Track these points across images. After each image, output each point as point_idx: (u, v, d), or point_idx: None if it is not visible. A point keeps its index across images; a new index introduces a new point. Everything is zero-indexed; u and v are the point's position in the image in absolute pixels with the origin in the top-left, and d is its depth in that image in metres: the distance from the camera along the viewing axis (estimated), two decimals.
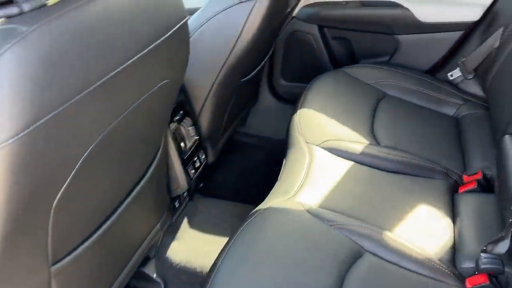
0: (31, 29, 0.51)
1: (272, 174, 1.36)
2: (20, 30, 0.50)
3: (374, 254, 0.93)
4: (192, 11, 1.69)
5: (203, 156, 1.32)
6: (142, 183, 0.91)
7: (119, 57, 0.64)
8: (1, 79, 0.48)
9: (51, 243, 0.66)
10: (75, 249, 0.75)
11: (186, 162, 1.22)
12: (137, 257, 1.03)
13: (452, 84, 1.55)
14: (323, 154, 1.21)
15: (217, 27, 1.15)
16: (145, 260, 1.24)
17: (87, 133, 0.62)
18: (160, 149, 0.97)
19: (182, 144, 1.20)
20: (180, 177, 1.19)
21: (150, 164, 0.94)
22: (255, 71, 1.46)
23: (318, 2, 1.70)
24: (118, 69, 0.63)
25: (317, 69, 1.71)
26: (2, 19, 0.54)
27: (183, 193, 1.29)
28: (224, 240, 0.94)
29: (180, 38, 0.80)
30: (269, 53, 1.60)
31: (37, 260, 0.67)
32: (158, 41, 0.72)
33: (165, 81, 0.79)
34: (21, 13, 0.53)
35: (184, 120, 1.22)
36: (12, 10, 0.53)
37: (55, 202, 0.62)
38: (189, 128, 1.23)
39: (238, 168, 1.74)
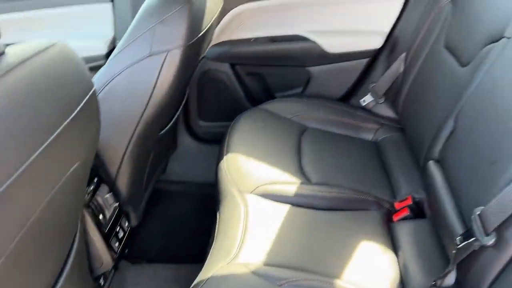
0: None
1: (201, 223, 1.27)
2: None
3: None
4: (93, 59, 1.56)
5: (126, 224, 1.18)
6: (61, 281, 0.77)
7: (20, 154, 0.52)
8: None
9: None
10: None
11: (107, 236, 1.08)
12: None
13: (366, 110, 1.60)
14: (258, 202, 1.15)
15: (128, 82, 1.05)
16: None
17: None
18: (77, 236, 0.84)
19: (101, 217, 1.06)
20: (103, 254, 1.05)
21: (68, 257, 0.80)
22: (172, 121, 1.38)
23: (227, 41, 1.67)
24: (20, 170, 0.51)
25: (234, 106, 1.68)
26: None
27: (107, 270, 1.15)
28: None
29: (90, 111, 0.70)
30: (184, 98, 1.53)
31: None
32: (66, 122, 0.61)
33: (76, 165, 0.68)
34: None
35: (100, 188, 1.08)
36: None
37: None
38: (106, 196, 1.10)
39: (164, 222, 1.62)
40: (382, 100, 1.57)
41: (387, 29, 1.59)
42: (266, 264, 0.97)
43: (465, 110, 1.03)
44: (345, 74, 1.65)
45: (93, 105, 0.70)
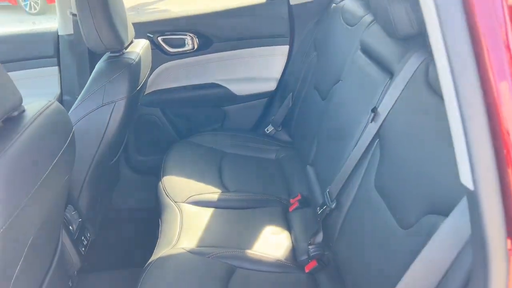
0: None
1: (143, 238, 1.59)
2: None
3: (242, 268, 1.29)
4: None
5: (88, 235, 1.52)
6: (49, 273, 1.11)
7: (46, 163, 0.90)
8: None
9: None
10: None
11: (75, 242, 1.41)
12: None
13: (269, 136, 2.08)
14: (190, 208, 1.55)
15: (86, 126, 1.41)
16: None
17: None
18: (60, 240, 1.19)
19: (70, 228, 1.40)
20: (73, 256, 1.38)
21: (55, 252, 1.15)
22: (117, 156, 1.74)
23: (157, 90, 2.09)
24: (46, 172, 0.89)
25: (166, 142, 2.06)
26: None
27: (74, 272, 1.46)
28: None
29: (72, 142, 1.08)
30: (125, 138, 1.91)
31: None
32: (62, 149, 0.99)
33: (66, 177, 1.05)
34: None
35: (68, 207, 1.42)
36: None
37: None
38: (72, 213, 1.44)
39: (113, 240, 1.92)
40: (280, 128, 2.07)
41: (278, 76, 2.11)
42: (198, 246, 1.36)
43: (323, 128, 1.54)
44: (252, 111, 2.14)
45: (73, 139, 1.08)
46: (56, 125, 1.01)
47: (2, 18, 7.35)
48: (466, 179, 0.56)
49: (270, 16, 2.06)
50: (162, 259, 1.29)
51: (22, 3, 7.73)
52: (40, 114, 0.96)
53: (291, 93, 2.01)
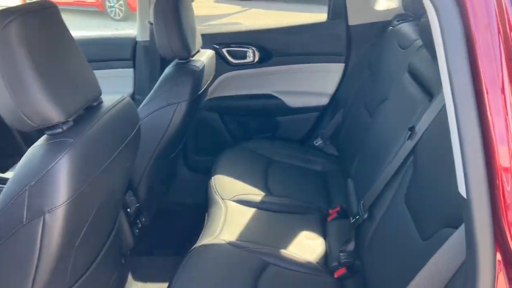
0: (73, 141, 0.93)
1: (191, 230, 1.75)
2: (68, 142, 0.92)
3: (275, 265, 1.40)
4: None
5: (143, 219, 1.70)
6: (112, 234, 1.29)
7: (115, 147, 1.08)
8: (62, 169, 0.89)
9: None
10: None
11: (131, 224, 1.60)
12: None
13: (318, 149, 2.18)
14: (234, 205, 1.68)
15: (151, 122, 1.61)
16: None
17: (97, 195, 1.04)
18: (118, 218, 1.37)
19: (128, 210, 1.58)
20: (127, 236, 1.56)
21: (113, 229, 1.33)
22: (175, 153, 1.93)
23: (217, 97, 2.26)
24: (114, 155, 1.07)
25: (221, 145, 2.22)
26: (49, 135, 0.96)
27: (127, 251, 1.64)
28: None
29: (137, 131, 1.26)
30: (183, 139, 2.10)
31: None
32: (129, 137, 1.17)
33: (129, 164, 1.23)
34: (62, 131, 0.95)
35: (127, 192, 1.61)
36: (57, 130, 0.95)
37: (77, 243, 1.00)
38: (131, 197, 1.63)
39: (163, 229, 2.10)
40: (328, 142, 2.15)
41: (331, 91, 2.21)
42: (237, 239, 1.48)
43: (365, 143, 1.61)
44: (303, 123, 2.24)
45: (138, 131, 1.26)
46: (126, 117, 1.19)
47: (90, 23, 8.12)
48: (461, 188, 0.63)
49: (328, 35, 2.17)
50: (204, 246, 1.43)
51: (108, 10, 8.47)
52: (114, 106, 1.14)
53: (342, 109, 2.09)
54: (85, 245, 1.11)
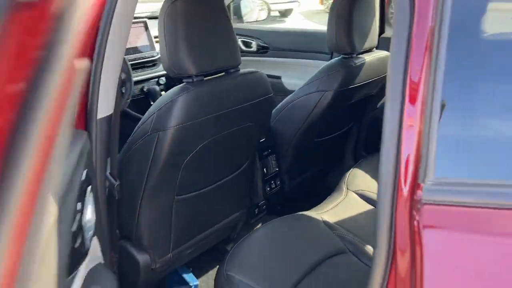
0: (193, 88, 1.30)
1: None
2: (188, 88, 1.30)
3: (352, 253, 1.45)
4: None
5: (278, 183, 1.98)
6: (235, 174, 1.63)
7: (227, 106, 1.40)
8: (177, 104, 1.27)
9: (178, 184, 1.42)
10: (192, 191, 1.50)
11: (265, 182, 1.91)
12: (219, 227, 1.72)
13: None
14: (354, 197, 1.77)
15: (300, 103, 1.86)
16: (227, 240, 1.91)
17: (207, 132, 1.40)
18: (248, 161, 1.69)
19: (265, 170, 1.90)
20: (259, 190, 1.88)
21: (241, 166, 1.66)
22: (327, 137, 2.09)
23: None
24: (224, 111, 1.39)
25: None
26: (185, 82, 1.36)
27: (261, 204, 1.96)
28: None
29: (265, 105, 1.54)
30: (343, 129, 2.21)
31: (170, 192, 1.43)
32: (250, 102, 1.47)
33: (251, 124, 1.53)
34: (192, 82, 1.34)
35: (270, 156, 1.92)
36: (188, 80, 1.34)
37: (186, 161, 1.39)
38: (272, 162, 1.93)
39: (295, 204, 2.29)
40: None
41: None
42: (334, 222, 1.59)
43: None
44: None
45: (267, 103, 1.54)
46: (249, 86, 1.48)
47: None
48: None
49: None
50: (300, 215, 1.60)
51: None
52: (245, 74, 1.46)
53: None
54: (192, 172, 1.44)
